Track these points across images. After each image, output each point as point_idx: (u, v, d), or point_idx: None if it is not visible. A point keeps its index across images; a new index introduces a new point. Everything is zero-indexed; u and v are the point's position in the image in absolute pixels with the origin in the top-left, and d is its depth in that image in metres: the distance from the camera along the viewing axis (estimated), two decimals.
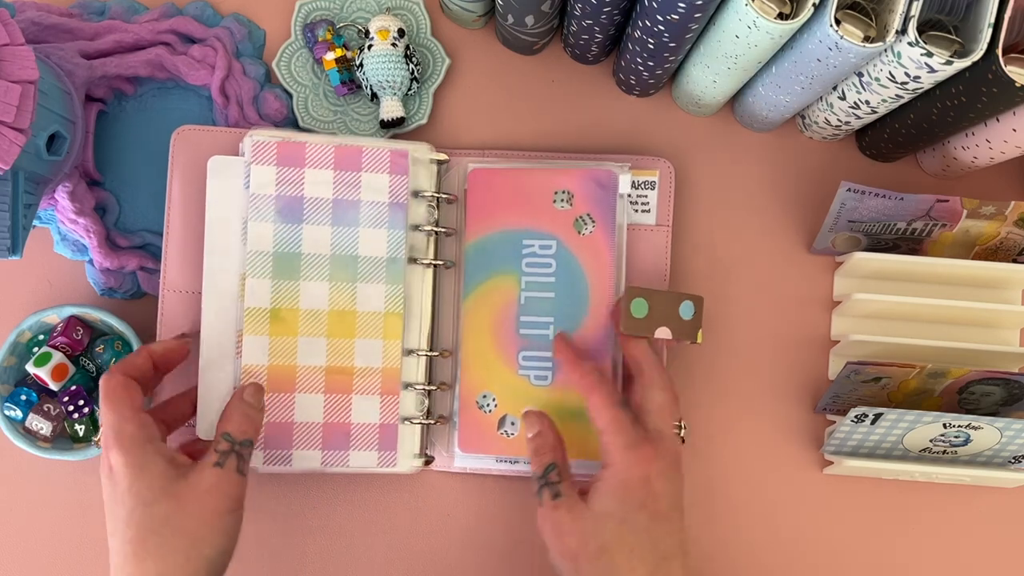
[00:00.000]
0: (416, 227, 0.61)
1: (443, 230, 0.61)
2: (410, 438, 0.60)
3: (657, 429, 0.53)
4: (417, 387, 0.60)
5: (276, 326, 0.58)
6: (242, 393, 0.54)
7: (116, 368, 0.52)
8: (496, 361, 0.61)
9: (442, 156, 0.61)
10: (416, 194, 0.61)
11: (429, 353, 0.61)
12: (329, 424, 0.58)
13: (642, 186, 0.63)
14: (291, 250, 0.58)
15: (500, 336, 0.61)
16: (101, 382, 0.51)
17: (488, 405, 0.61)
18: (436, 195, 0.61)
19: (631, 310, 0.57)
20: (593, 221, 0.62)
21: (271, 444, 0.57)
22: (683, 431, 0.57)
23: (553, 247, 0.61)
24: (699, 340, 0.58)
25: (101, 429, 0.50)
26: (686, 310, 0.58)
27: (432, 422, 0.61)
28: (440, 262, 0.61)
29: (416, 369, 0.61)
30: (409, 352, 0.60)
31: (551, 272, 0.61)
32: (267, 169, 0.57)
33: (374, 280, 0.59)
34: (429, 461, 0.61)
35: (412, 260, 0.61)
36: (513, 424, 0.60)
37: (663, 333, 0.58)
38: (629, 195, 0.63)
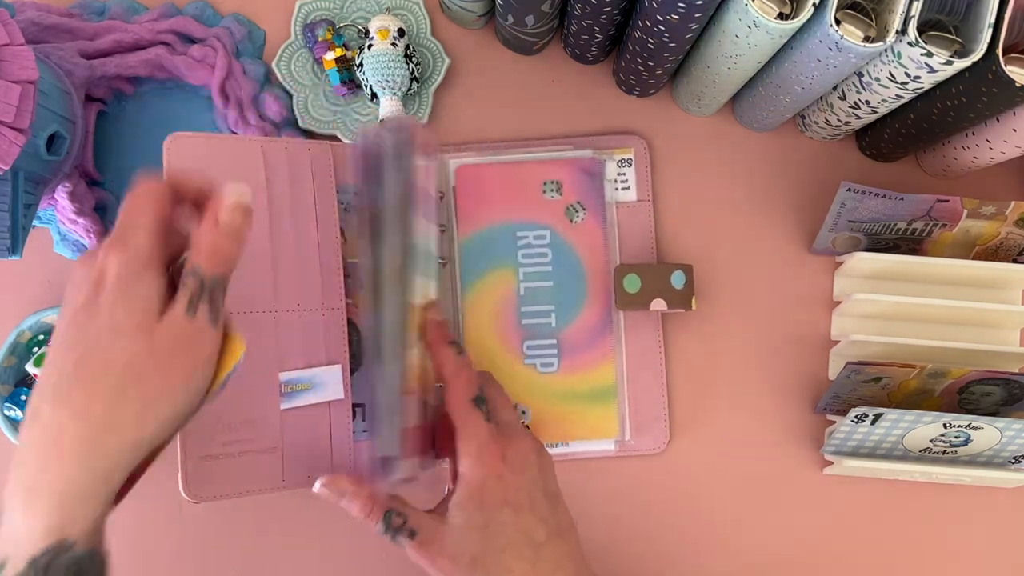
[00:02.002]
0: None
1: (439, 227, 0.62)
2: None
3: (505, 421, 0.51)
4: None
5: None
6: (217, 214, 0.42)
7: (162, 179, 0.43)
8: (501, 353, 0.62)
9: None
10: None
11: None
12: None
13: (619, 164, 0.64)
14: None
15: (503, 328, 0.62)
16: (137, 181, 0.42)
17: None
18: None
19: (624, 286, 0.59)
20: (584, 208, 0.62)
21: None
22: (523, 416, 0.56)
23: (547, 237, 0.62)
24: (694, 306, 0.60)
25: (115, 228, 0.41)
26: (677, 279, 0.60)
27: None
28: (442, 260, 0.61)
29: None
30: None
31: (548, 262, 0.62)
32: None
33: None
34: None
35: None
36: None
37: (658, 305, 0.59)
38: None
